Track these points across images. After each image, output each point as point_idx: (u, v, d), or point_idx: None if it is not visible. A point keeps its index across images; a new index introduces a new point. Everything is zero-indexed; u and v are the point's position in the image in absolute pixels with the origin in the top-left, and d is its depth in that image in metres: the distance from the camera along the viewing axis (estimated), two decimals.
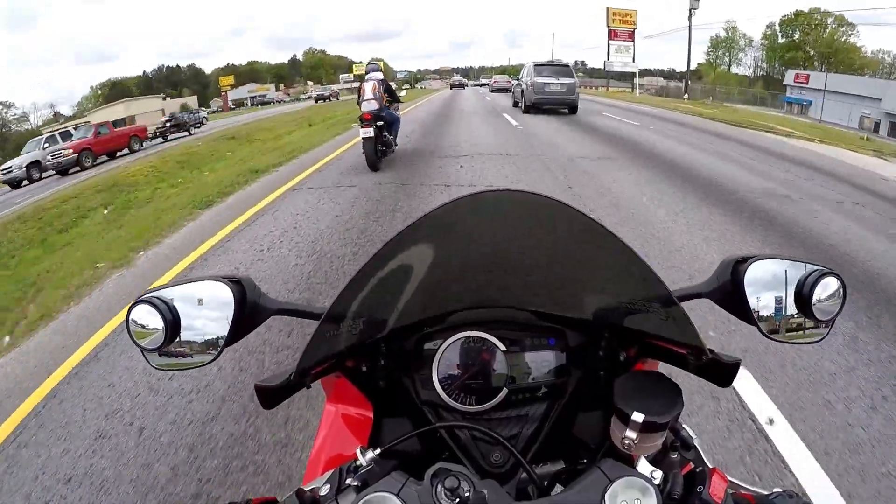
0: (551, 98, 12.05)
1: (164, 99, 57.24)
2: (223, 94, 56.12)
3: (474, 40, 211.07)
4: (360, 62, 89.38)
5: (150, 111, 47.29)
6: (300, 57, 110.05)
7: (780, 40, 48.91)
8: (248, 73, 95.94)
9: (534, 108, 12.13)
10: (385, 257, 0.45)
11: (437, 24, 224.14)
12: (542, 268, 0.56)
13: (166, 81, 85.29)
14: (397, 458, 0.50)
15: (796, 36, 46.91)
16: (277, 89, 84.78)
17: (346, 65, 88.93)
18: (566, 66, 13.35)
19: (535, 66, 12.74)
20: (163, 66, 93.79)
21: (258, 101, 62.48)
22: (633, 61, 36.83)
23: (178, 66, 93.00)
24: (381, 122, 5.49)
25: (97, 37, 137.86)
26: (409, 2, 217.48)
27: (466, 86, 46.23)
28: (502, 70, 69.68)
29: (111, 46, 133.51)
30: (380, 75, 5.68)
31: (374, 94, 5.51)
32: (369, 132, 5.42)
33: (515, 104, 14.14)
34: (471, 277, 0.58)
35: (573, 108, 12.16)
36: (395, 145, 6.37)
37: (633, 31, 36.15)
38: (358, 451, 0.47)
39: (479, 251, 0.53)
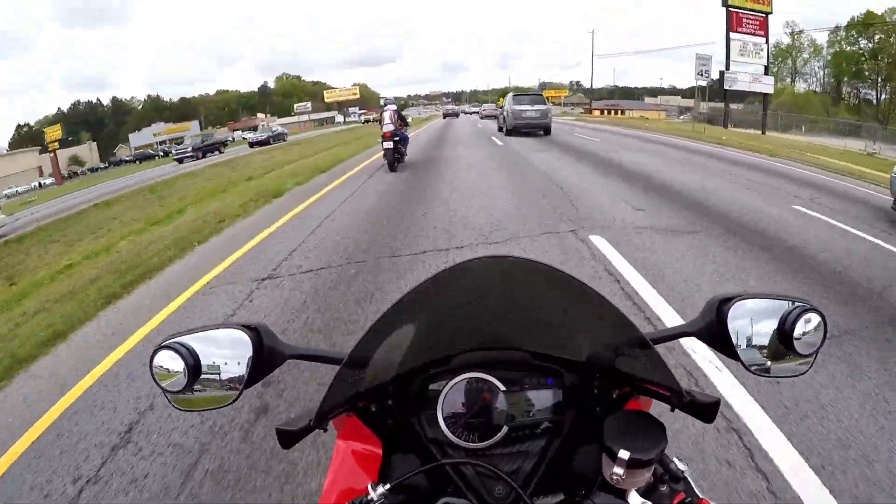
0: (528, 122, 15.09)
1: (41, 153, 43.60)
2: (52, 155, 38.33)
3: (465, 64, 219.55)
4: (336, 88, 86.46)
5: (17, 172, 35.45)
6: (272, 84, 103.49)
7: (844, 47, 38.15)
8: (181, 107, 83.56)
9: (514, 131, 15.09)
10: (397, 311, 0.54)
11: (427, 49, 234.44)
12: (538, 315, 0.65)
13: (83, 121, 76.07)
14: (406, 492, 0.56)
15: (863, 43, 37.63)
16: (205, 127, 72.46)
17: (320, 92, 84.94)
18: (539, 94, 17.87)
19: (514, 96, 16.46)
20: (78, 101, 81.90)
21: (160, 151, 50.72)
22: (767, 72, 24.01)
23: (98, 100, 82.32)
24: (397, 139, 8.76)
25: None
26: (400, 29, 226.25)
27: (459, 115, 46.89)
28: (502, 93, 71.61)
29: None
30: (394, 107, 9.09)
31: (392, 119, 8.68)
32: (389, 145, 8.68)
33: (500, 129, 17.11)
34: (473, 323, 0.65)
35: (547, 130, 15.33)
36: (406, 156, 9.72)
37: (767, 20, 22.82)
38: (369, 487, 0.53)
39: (480, 302, 0.62)
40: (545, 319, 0.65)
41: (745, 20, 21.95)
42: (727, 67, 22.66)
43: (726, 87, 23.41)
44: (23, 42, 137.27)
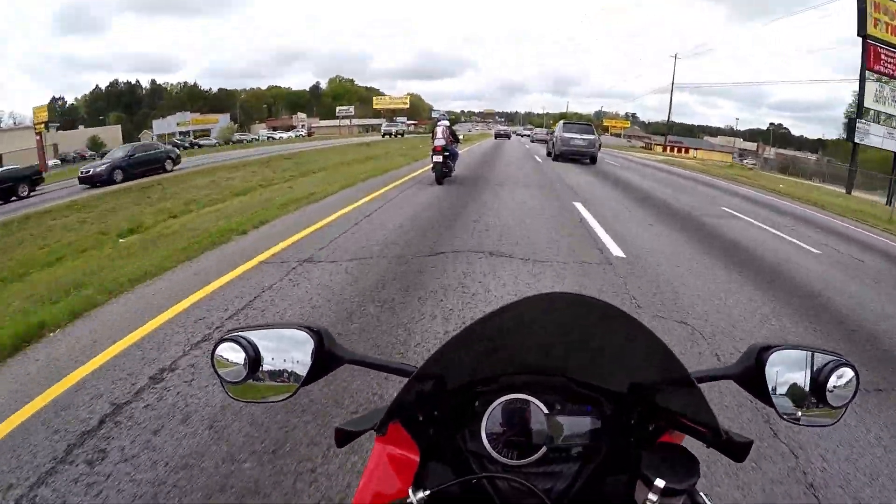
0: (575, 150, 16.19)
1: (47, 130, 35.50)
2: (37, 138, 30.31)
3: (523, 87, 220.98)
4: (386, 95, 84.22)
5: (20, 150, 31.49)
6: (324, 85, 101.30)
7: None
8: (218, 98, 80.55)
9: (561, 157, 16.34)
10: (462, 338, 0.59)
11: (486, 67, 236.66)
12: (584, 345, 0.68)
13: (117, 101, 74.54)
14: (442, 501, 0.59)
15: None
16: (237, 121, 70.85)
17: (371, 98, 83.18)
18: (589, 124, 18.53)
19: (565, 123, 17.84)
20: (116, 81, 78.77)
21: (191, 143, 49.26)
22: None
23: (136, 81, 78.86)
24: (447, 153, 9.12)
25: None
26: (463, 45, 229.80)
27: (511, 136, 45.92)
28: (559, 117, 71.99)
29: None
30: (447, 122, 9.67)
31: (444, 134, 9.16)
32: (439, 159, 9.01)
33: (548, 153, 18.49)
34: (522, 349, 0.69)
35: (593, 159, 16.44)
36: (454, 171, 10.03)
37: None
38: (410, 491, 0.57)
39: (531, 331, 0.66)
40: (590, 350, 0.69)
41: (884, 57, 17.41)
42: (858, 114, 18.18)
43: (856, 141, 18.39)
44: (97, 23, 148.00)
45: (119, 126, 59.94)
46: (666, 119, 58.68)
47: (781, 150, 62.77)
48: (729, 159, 46.99)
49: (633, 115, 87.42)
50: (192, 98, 79.30)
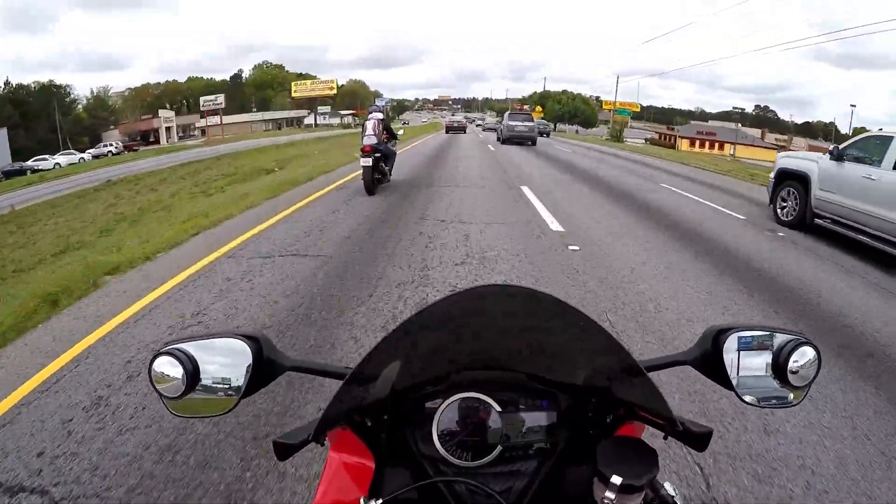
0: (518, 134, 21.81)
1: None
2: None
3: (480, 73, 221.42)
4: (307, 81, 69.45)
5: None
6: (249, 72, 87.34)
7: None
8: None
9: (508, 141, 21.83)
10: (401, 332, 0.59)
11: (444, 55, 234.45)
12: (536, 339, 0.70)
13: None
14: None
15: None
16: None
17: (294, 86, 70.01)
18: (528, 114, 26.23)
19: (510, 114, 24.81)
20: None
21: None
22: None
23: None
24: (379, 155, 7.85)
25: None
26: (418, 33, 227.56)
27: (466, 128, 35.78)
28: (540, 98, 74.90)
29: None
30: (380, 115, 8.09)
31: (374, 130, 7.79)
32: (368, 162, 7.60)
33: (498, 139, 24.28)
34: (471, 345, 0.70)
35: (533, 142, 22.26)
36: (391, 176, 8.73)
37: None
38: (362, 501, 0.58)
39: (479, 326, 0.67)
40: (542, 344, 0.71)
41: None
42: None
43: None
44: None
45: None
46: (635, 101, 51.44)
47: (813, 141, 50.84)
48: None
49: (598, 99, 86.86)
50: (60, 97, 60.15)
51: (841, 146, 6.23)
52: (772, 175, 7.65)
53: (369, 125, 7.87)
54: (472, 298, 0.59)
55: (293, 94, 65.74)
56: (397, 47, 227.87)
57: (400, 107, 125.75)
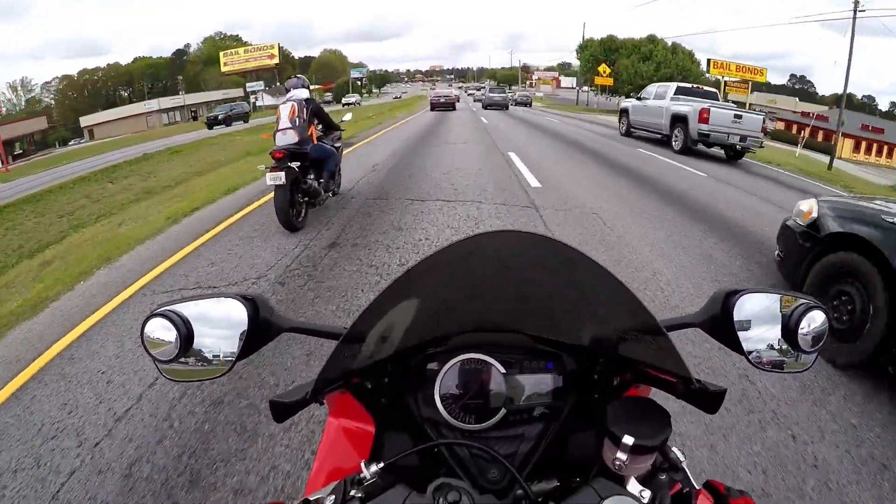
0: (494, 102, 34.67)
1: None
2: None
3: (474, 43, 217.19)
4: (239, 50, 52.04)
5: None
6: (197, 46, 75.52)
7: None
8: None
9: (487, 106, 34.56)
10: (399, 286, 0.60)
11: (437, 25, 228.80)
12: (542, 296, 0.72)
13: None
14: (398, 472, 0.61)
15: None
16: None
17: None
18: (503, 87, 55.31)
19: (490, 88, 52.67)
20: None
21: None
22: None
23: None
24: (301, 164, 5.03)
25: None
26: (408, 3, 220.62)
27: (456, 105, 30.24)
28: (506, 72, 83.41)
29: None
30: (304, 93, 5.25)
31: (293, 120, 4.99)
32: (280, 178, 4.62)
33: (479, 102, 44.76)
34: (475, 303, 0.72)
35: (505, 107, 35.34)
36: (337, 189, 6.06)
37: None
38: (362, 465, 0.59)
39: (483, 280, 0.68)
40: (549, 300, 0.73)
41: None
42: None
43: None
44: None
45: None
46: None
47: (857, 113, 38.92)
48: None
49: (567, 65, 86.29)
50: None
51: (639, 94, 15.99)
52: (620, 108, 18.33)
53: (284, 112, 5.07)
54: (474, 246, 0.58)
55: (223, 69, 50.97)
56: (386, 19, 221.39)
57: (382, 79, 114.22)
